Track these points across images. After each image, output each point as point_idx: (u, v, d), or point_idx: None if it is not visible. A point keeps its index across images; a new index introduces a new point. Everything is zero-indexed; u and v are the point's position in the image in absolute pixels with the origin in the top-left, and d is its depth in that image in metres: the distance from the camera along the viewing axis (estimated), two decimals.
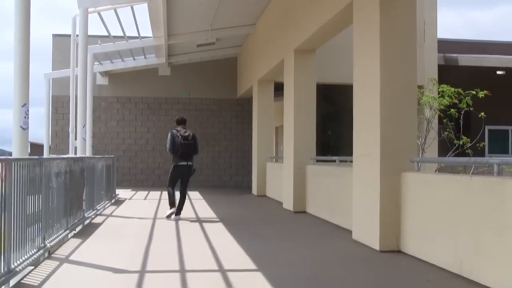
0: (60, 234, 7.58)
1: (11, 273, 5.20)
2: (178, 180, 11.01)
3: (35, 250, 6.17)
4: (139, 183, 21.09)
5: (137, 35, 16.32)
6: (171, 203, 10.82)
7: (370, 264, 6.72)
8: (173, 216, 10.67)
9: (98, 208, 11.58)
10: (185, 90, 21.45)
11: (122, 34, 15.97)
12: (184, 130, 11.00)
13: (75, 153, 12.82)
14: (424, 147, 11.02)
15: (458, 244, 5.84)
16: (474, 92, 10.55)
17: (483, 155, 15.01)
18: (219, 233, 9.00)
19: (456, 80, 11.96)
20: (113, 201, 14.27)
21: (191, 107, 21.46)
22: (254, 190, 17.54)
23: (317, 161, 12.28)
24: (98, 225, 9.87)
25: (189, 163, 10.93)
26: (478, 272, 5.48)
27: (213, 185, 21.24)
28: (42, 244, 6.52)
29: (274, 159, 16.90)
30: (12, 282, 5.32)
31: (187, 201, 11.76)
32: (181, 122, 11.33)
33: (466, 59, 18.56)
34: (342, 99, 14.85)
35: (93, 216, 10.67)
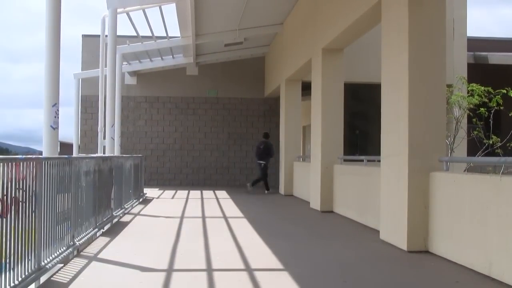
0: (89, 233, 7.68)
1: (41, 270, 5.29)
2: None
3: (64, 248, 6.26)
4: (166, 182, 21.25)
5: (165, 35, 16.43)
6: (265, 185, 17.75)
7: (397, 265, 6.66)
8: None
9: (126, 207, 11.70)
10: (213, 89, 21.53)
11: (150, 34, 16.08)
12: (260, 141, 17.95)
13: (104, 152, 12.97)
14: (453, 146, 10.89)
15: (488, 245, 5.76)
16: (504, 91, 10.38)
17: None
18: (246, 232, 9.02)
19: (486, 78, 11.79)
20: (141, 200, 14.39)
21: (218, 106, 21.54)
22: (281, 190, 17.53)
23: (345, 160, 12.22)
24: (126, 223, 9.97)
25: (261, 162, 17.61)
26: (508, 273, 5.40)
27: (240, 184, 21.28)
28: (71, 242, 6.62)
29: (301, 159, 16.87)
30: (42, 279, 5.41)
31: (214, 200, 13.11)
32: (265, 136, 18.04)
33: (496, 58, 18.26)
34: (370, 98, 14.73)
35: (121, 215, 10.78)
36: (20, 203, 4.80)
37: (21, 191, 4.81)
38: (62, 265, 6.12)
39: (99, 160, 8.75)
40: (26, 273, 4.91)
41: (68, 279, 5.55)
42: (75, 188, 6.86)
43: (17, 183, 4.72)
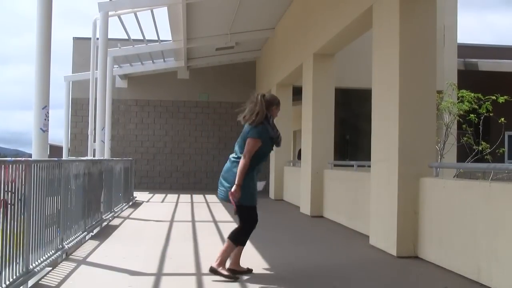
0: (78, 236, 7.63)
1: (29, 273, 5.25)
2: None
3: (53, 251, 6.22)
4: (156, 185, 21.19)
5: (156, 38, 16.41)
6: None
7: (387, 270, 6.67)
8: None
9: (116, 210, 11.65)
10: (204, 93, 21.52)
11: (141, 38, 16.08)
12: None
13: (94, 156, 12.91)
14: (443, 152, 10.93)
15: (476, 250, 5.78)
16: (494, 98, 10.45)
17: (502, 161, 14.83)
18: None
19: (476, 85, 11.85)
20: (130, 203, 14.33)
21: (209, 110, 21.51)
22: (272, 194, 17.52)
23: (335, 165, 12.23)
24: (115, 227, 9.93)
25: None
26: (497, 279, 5.42)
27: None
28: (60, 246, 6.58)
29: (291, 163, 16.87)
30: (31, 282, 5.37)
31: (204, 204, 12.98)
32: None
33: (486, 64, 18.39)
34: (360, 103, 14.78)
35: (110, 218, 10.73)
36: (9, 205, 4.77)
37: (10, 193, 4.78)
38: (51, 268, 6.08)
39: (89, 163, 8.72)
40: (14, 277, 4.87)
41: (56, 283, 5.51)
42: (65, 191, 6.82)
43: (6, 186, 4.69)
